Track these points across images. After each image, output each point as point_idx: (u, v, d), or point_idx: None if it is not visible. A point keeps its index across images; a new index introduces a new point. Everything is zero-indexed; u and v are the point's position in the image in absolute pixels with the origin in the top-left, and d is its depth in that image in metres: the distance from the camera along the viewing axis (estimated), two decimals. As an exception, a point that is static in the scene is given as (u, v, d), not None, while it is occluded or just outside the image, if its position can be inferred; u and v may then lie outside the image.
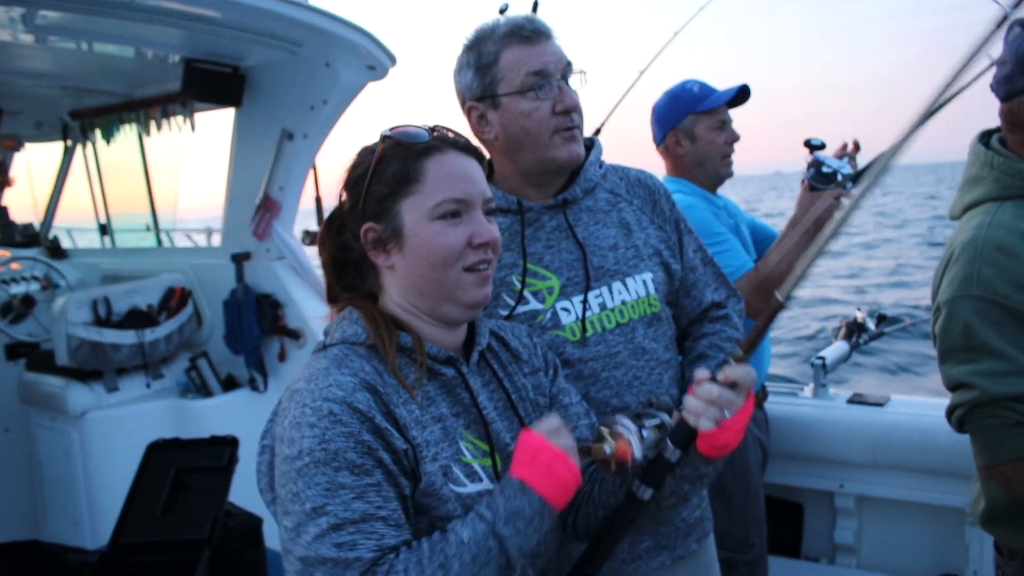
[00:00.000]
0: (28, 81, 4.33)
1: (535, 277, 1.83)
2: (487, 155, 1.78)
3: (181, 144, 4.86)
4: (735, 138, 2.90)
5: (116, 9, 3.04)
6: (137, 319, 4.09)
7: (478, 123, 1.85)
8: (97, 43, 3.71)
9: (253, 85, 3.98)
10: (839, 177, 2.58)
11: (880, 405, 3.30)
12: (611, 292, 1.84)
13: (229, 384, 4.24)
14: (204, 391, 4.16)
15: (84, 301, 3.98)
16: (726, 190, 3.01)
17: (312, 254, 4.18)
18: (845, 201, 1.28)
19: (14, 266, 4.90)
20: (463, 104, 1.88)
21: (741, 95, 2.87)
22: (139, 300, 4.19)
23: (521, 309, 1.81)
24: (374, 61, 3.58)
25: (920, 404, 3.29)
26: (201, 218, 6.43)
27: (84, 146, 5.21)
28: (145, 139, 4.91)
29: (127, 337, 3.98)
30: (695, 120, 2.86)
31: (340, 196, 1.48)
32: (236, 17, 3.32)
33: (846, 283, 20.21)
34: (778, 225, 3.10)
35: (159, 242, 5.39)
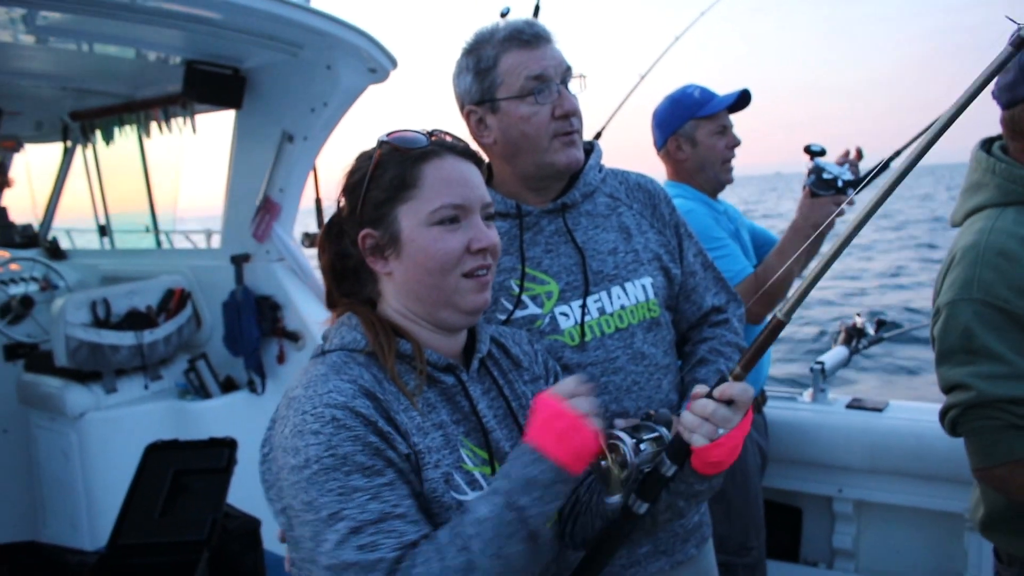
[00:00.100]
0: (28, 82, 4.33)
1: (534, 282, 1.82)
2: (486, 159, 1.77)
3: (181, 146, 4.86)
4: (736, 143, 2.90)
5: (117, 10, 3.05)
6: (136, 320, 4.09)
7: (477, 127, 1.85)
8: (98, 44, 3.72)
9: (254, 87, 3.98)
10: (840, 183, 2.59)
11: (879, 410, 3.30)
12: (610, 297, 1.84)
13: (228, 386, 4.23)
14: (203, 393, 4.15)
15: (83, 302, 3.97)
16: (726, 190, 3.01)
17: (311, 256, 4.19)
18: (850, 215, 1.25)
19: (13, 267, 4.90)
20: (462, 108, 1.88)
21: (742, 100, 2.88)
22: (138, 301, 4.19)
23: (520, 314, 1.81)
24: (375, 64, 3.58)
25: (919, 409, 3.29)
26: (200, 217, 6.43)
27: (84, 147, 5.21)
28: (145, 140, 4.91)
29: (126, 338, 3.98)
30: (696, 125, 2.86)
31: (339, 202, 1.47)
32: (237, 19, 3.33)
33: (847, 285, 20.24)
34: (776, 225, 3.11)
35: (158, 243, 5.39)
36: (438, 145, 1.40)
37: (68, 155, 5.41)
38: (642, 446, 1.37)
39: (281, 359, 4.14)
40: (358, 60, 3.57)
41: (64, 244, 5.69)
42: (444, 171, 1.38)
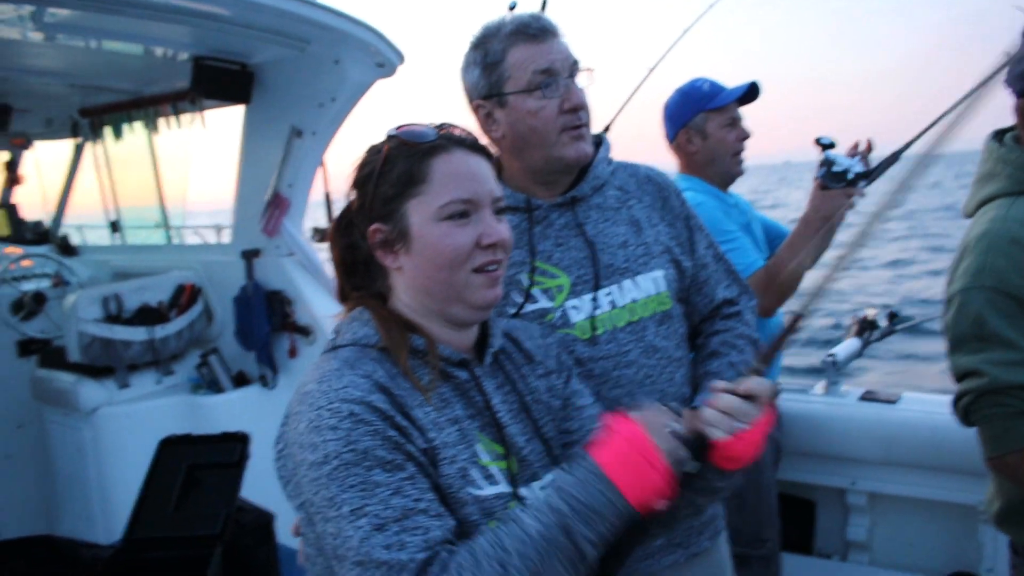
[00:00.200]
0: (38, 79, 4.34)
1: (544, 275, 1.82)
2: (496, 153, 1.77)
3: (190, 141, 4.88)
4: (746, 135, 2.89)
5: (124, 7, 3.05)
6: (148, 316, 4.11)
7: (485, 121, 1.85)
8: (106, 41, 3.72)
9: (262, 82, 3.98)
10: (850, 176, 2.57)
11: (892, 402, 3.28)
12: (621, 290, 1.83)
13: (240, 380, 4.25)
14: (215, 387, 4.17)
15: (95, 298, 3.99)
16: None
17: (321, 250, 4.19)
18: (864, 207, 1.25)
19: (25, 263, 4.92)
20: (470, 102, 1.88)
21: (751, 92, 2.87)
22: (150, 297, 4.21)
23: (531, 308, 1.80)
24: (382, 58, 3.58)
25: (933, 401, 3.27)
26: (210, 211, 6.45)
27: (94, 143, 5.22)
28: (154, 136, 4.92)
29: (138, 334, 4.00)
30: (706, 118, 2.85)
31: (349, 195, 1.46)
32: (244, 14, 3.33)
33: (859, 276, 20.15)
34: (784, 216, 3.10)
35: (169, 239, 5.41)
36: (447, 139, 1.39)
37: (78, 152, 5.42)
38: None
39: (292, 353, 4.15)
40: (365, 55, 3.57)
41: (75, 240, 5.71)
42: (453, 165, 1.37)
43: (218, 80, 3.87)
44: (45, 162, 5.85)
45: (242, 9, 3.24)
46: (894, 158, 2.61)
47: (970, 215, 2.00)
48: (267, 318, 4.09)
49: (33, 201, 5.89)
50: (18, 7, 3.00)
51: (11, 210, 5.68)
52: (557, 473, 1.27)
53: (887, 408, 3.26)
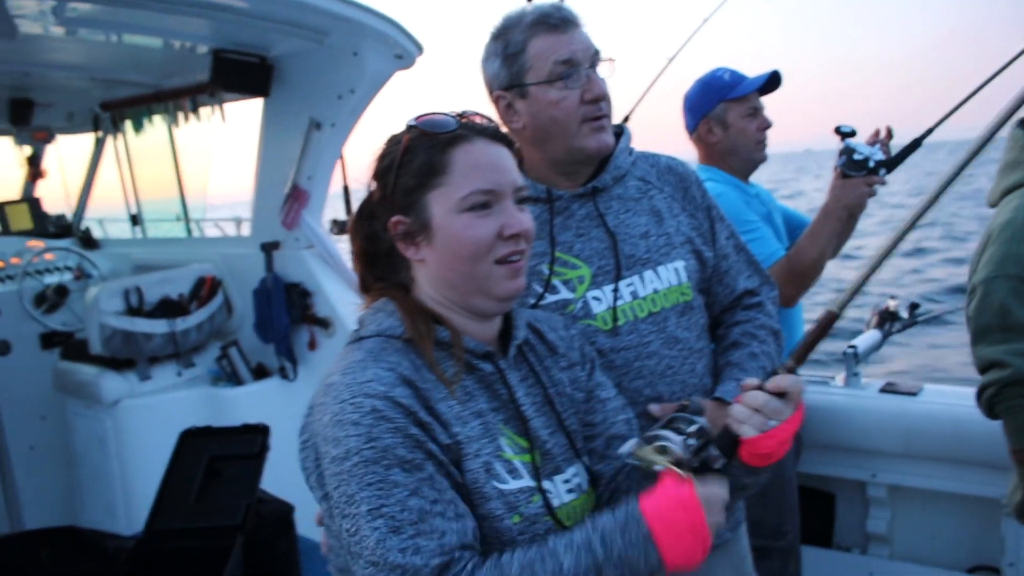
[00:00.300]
0: (59, 73, 4.37)
1: (565, 266, 1.81)
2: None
3: (210, 134, 4.90)
4: (767, 125, 2.87)
5: (145, 0, 3.06)
6: (168, 308, 4.13)
7: (506, 112, 1.84)
8: (126, 35, 3.74)
9: (281, 75, 3.99)
10: (871, 164, 2.55)
11: (913, 394, 3.25)
12: (643, 281, 1.83)
13: (259, 373, 4.27)
14: (235, 380, 4.19)
15: (116, 291, 4.02)
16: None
17: (340, 243, 4.20)
18: (911, 200, 1.22)
19: (48, 256, 4.96)
20: (491, 93, 1.87)
21: (772, 82, 2.85)
22: (170, 289, 4.23)
23: (552, 298, 1.80)
24: (401, 50, 3.58)
25: (954, 393, 3.24)
26: (230, 203, 6.48)
27: (115, 137, 5.25)
28: (175, 130, 4.94)
29: (159, 326, 4.02)
30: (727, 108, 2.84)
31: (370, 186, 1.45)
32: (264, 7, 3.33)
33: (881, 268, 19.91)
34: (797, 205, 3.08)
35: (189, 232, 5.44)
36: (467, 128, 1.37)
37: (99, 145, 5.45)
38: (690, 441, 1.35)
39: (312, 346, 4.17)
40: (384, 46, 3.57)
41: (97, 233, 5.75)
42: (474, 156, 1.35)
43: (237, 73, 3.88)
44: (67, 156, 5.90)
45: (261, 2, 3.24)
46: (915, 145, 2.59)
47: (994, 204, 1.98)
48: (287, 310, 4.10)
49: (56, 195, 5.94)
50: (40, 2, 3.02)
51: (34, 204, 5.72)
52: (603, 514, 1.27)
53: (908, 400, 3.23)
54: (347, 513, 1.22)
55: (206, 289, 4.34)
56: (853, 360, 3.39)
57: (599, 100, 1.79)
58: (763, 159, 2.91)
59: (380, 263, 1.48)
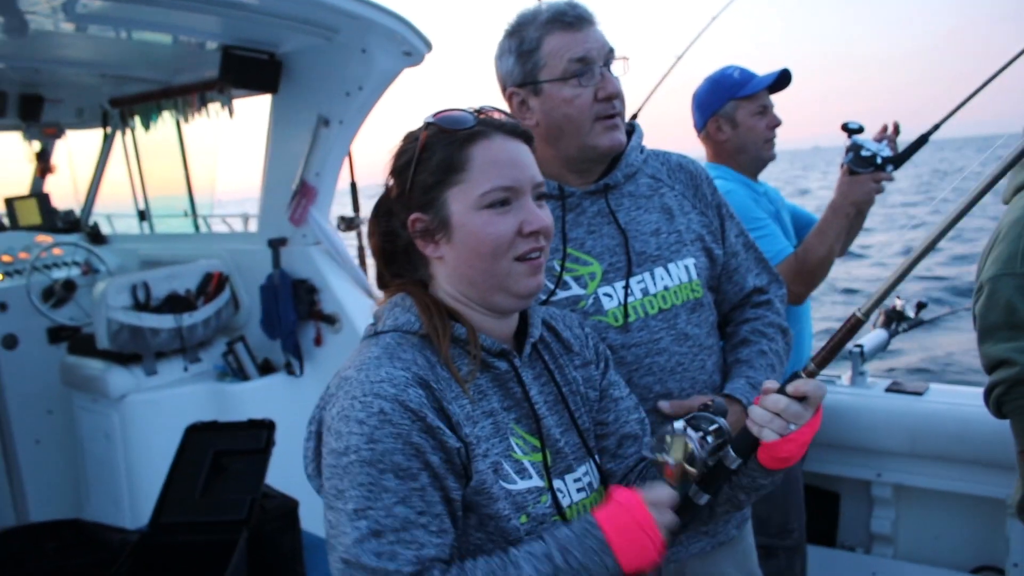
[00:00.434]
0: (69, 69, 4.39)
1: (576, 262, 1.82)
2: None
3: (218, 131, 4.91)
4: (776, 123, 2.87)
5: (155, -4, 3.08)
6: (175, 304, 4.14)
7: (519, 109, 1.85)
8: (136, 31, 3.75)
9: (289, 71, 4.00)
10: (878, 160, 2.55)
11: (919, 394, 3.25)
12: (653, 278, 1.84)
13: (265, 368, 4.27)
14: (241, 375, 4.20)
15: (124, 286, 4.03)
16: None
17: (347, 240, 4.21)
18: (949, 207, 1.21)
19: (56, 251, 4.97)
20: (504, 90, 1.88)
21: (782, 80, 2.84)
22: (177, 285, 4.24)
23: (563, 294, 1.81)
24: (410, 47, 3.58)
25: (960, 393, 3.24)
26: (238, 200, 6.49)
27: (124, 133, 5.27)
28: (183, 126, 4.95)
29: (166, 321, 4.03)
30: (736, 106, 2.84)
31: (387, 182, 1.44)
32: (272, 4, 3.34)
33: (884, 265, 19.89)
34: (804, 203, 3.07)
35: (196, 228, 5.45)
36: (486, 124, 1.36)
37: (108, 141, 5.47)
38: (708, 438, 1.35)
39: (318, 342, 4.17)
40: (393, 43, 3.57)
41: (105, 229, 5.76)
42: (493, 152, 1.34)
43: (247, 69, 3.89)
44: (76, 152, 5.91)
45: (270, -1, 3.26)
46: (922, 141, 2.59)
47: (1007, 202, 1.97)
48: (293, 307, 4.11)
49: (64, 190, 5.96)
50: (50, -2, 3.04)
51: (43, 199, 5.74)
52: (562, 527, 1.30)
53: (914, 400, 3.23)
54: (333, 506, 1.24)
55: (213, 285, 4.35)
56: (859, 359, 3.38)
57: (612, 98, 1.80)
58: (772, 157, 2.91)
59: (398, 260, 1.47)
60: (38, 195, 5.77)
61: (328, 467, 1.27)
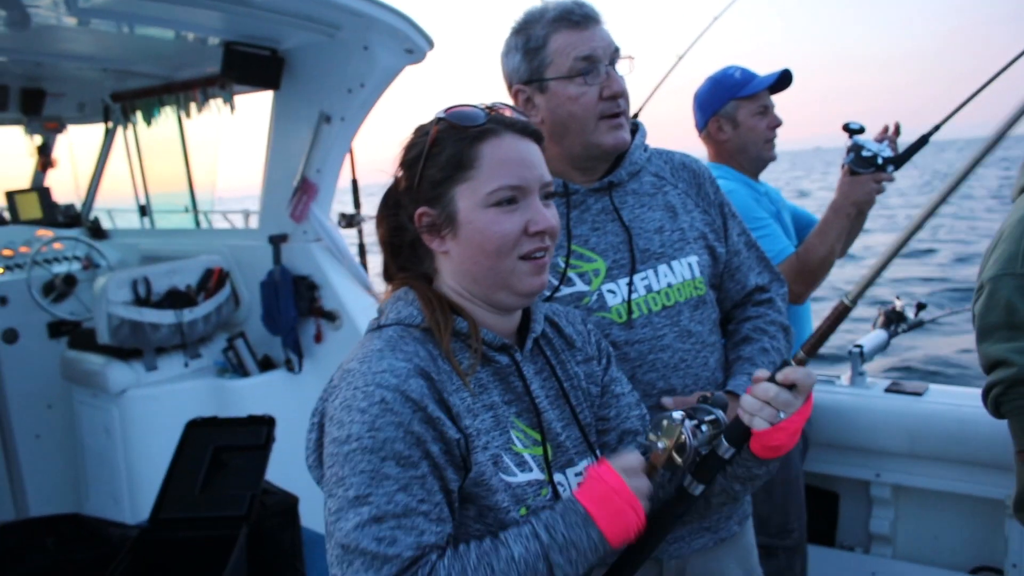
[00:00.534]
0: (71, 64, 4.39)
1: (581, 259, 1.83)
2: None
3: (220, 126, 4.91)
4: (777, 123, 2.88)
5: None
6: (176, 299, 4.14)
7: (525, 106, 1.87)
8: (138, 26, 3.75)
9: (291, 68, 4.00)
10: (879, 161, 2.55)
11: (918, 394, 3.25)
12: (657, 275, 1.85)
13: (266, 364, 4.28)
14: (241, 371, 4.20)
15: (124, 281, 4.03)
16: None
17: (348, 236, 4.21)
18: (921, 199, 1.21)
19: (56, 246, 4.97)
20: (510, 87, 1.89)
21: (783, 80, 2.85)
22: (178, 280, 4.24)
23: (567, 291, 1.82)
24: (412, 45, 3.59)
25: (959, 394, 3.24)
26: (239, 198, 6.49)
27: (125, 128, 5.26)
28: (185, 121, 4.95)
29: (166, 317, 4.03)
30: (737, 106, 2.84)
31: (396, 174, 1.45)
32: (275, 0, 3.34)
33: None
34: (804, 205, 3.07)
35: (197, 223, 5.45)
36: (496, 122, 1.37)
37: (109, 136, 5.47)
38: (702, 427, 1.37)
39: (318, 338, 4.18)
40: (395, 41, 3.58)
41: (105, 224, 5.76)
42: (502, 151, 1.35)
43: (248, 65, 3.89)
44: (77, 146, 5.91)
45: (273, -5, 3.26)
46: (922, 142, 2.59)
47: (1015, 200, 1.97)
48: (294, 303, 4.11)
49: (65, 185, 5.96)
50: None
51: (44, 193, 5.74)
52: (547, 510, 1.32)
53: (913, 400, 3.23)
54: (334, 494, 1.24)
55: (213, 280, 4.36)
56: (859, 359, 3.38)
57: (617, 97, 1.81)
58: (773, 157, 2.91)
59: (404, 253, 1.48)
60: (39, 189, 5.76)
61: (329, 455, 1.27)
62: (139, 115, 4.98)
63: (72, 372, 4.19)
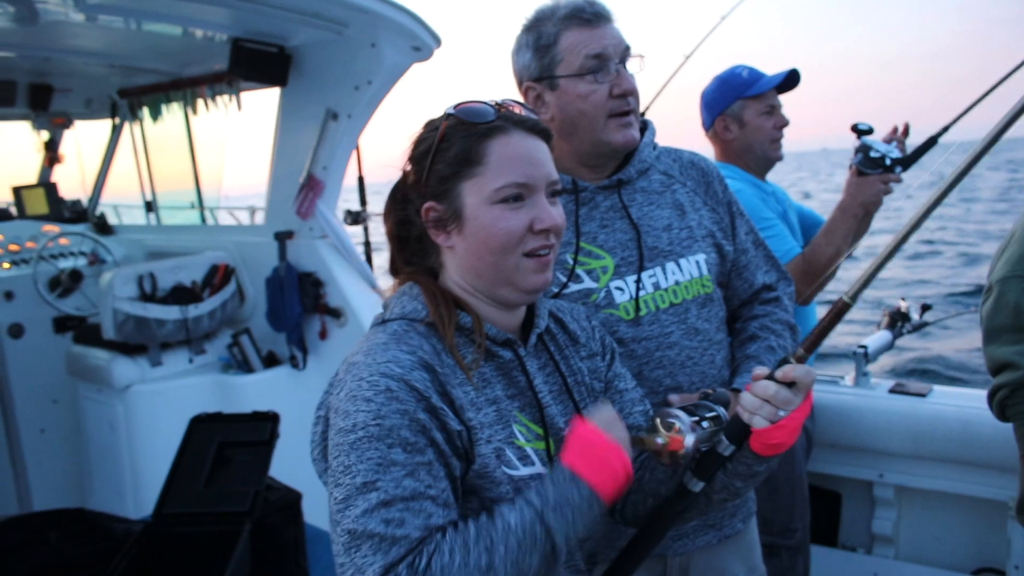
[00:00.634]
0: (78, 59, 4.40)
1: (589, 256, 1.84)
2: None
3: (226, 123, 4.91)
4: (784, 123, 2.87)
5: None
6: (181, 295, 4.14)
7: (535, 104, 1.88)
8: (146, 22, 3.76)
9: (298, 65, 4.00)
10: (887, 162, 2.55)
11: (922, 395, 3.25)
12: (665, 272, 1.86)
13: (270, 361, 4.28)
14: (246, 367, 4.21)
15: (130, 276, 4.04)
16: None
17: (354, 234, 4.21)
18: (920, 198, 1.22)
19: (63, 241, 4.98)
20: (520, 84, 1.90)
21: (790, 80, 2.84)
22: (183, 276, 4.24)
23: (575, 287, 1.82)
24: (419, 42, 3.59)
25: (963, 395, 3.24)
26: (245, 195, 6.50)
27: (132, 124, 5.28)
28: (191, 118, 4.96)
29: (171, 313, 4.04)
30: (744, 105, 2.84)
31: (404, 167, 1.46)
32: None
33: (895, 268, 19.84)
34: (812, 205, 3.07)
35: (203, 220, 5.46)
36: (505, 119, 1.38)
37: (116, 132, 5.48)
38: (703, 424, 1.37)
39: (323, 335, 4.18)
40: (402, 38, 3.58)
41: (111, 220, 5.77)
42: (510, 148, 1.36)
43: (256, 62, 3.89)
44: (84, 142, 5.92)
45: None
46: (931, 143, 2.59)
47: None
48: (299, 300, 4.12)
49: (72, 180, 5.97)
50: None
51: (50, 189, 5.75)
52: (535, 481, 1.33)
53: (917, 401, 3.23)
54: (341, 482, 1.25)
55: (219, 277, 4.36)
56: (863, 360, 3.38)
57: (627, 95, 1.82)
58: (779, 157, 2.91)
59: (411, 247, 1.50)
60: (46, 184, 5.78)
61: (335, 446, 1.28)
62: (146, 111, 4.99)
63: (77, 367, 4.20)
